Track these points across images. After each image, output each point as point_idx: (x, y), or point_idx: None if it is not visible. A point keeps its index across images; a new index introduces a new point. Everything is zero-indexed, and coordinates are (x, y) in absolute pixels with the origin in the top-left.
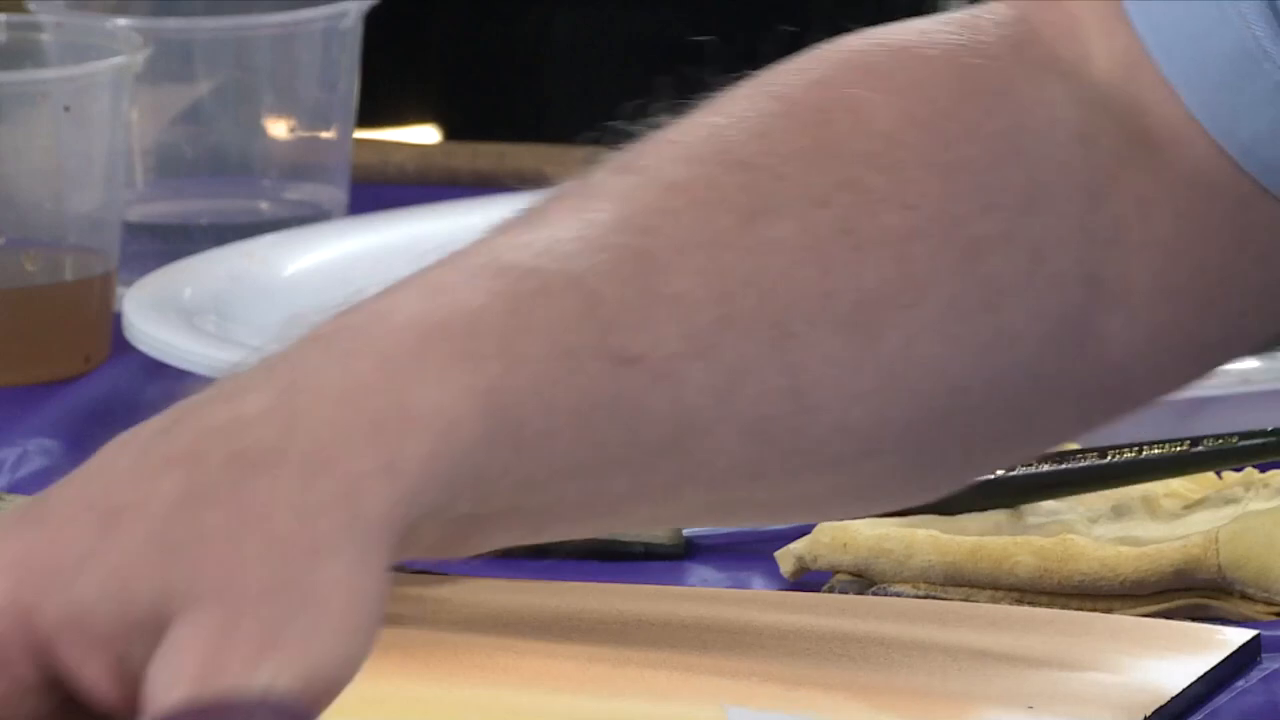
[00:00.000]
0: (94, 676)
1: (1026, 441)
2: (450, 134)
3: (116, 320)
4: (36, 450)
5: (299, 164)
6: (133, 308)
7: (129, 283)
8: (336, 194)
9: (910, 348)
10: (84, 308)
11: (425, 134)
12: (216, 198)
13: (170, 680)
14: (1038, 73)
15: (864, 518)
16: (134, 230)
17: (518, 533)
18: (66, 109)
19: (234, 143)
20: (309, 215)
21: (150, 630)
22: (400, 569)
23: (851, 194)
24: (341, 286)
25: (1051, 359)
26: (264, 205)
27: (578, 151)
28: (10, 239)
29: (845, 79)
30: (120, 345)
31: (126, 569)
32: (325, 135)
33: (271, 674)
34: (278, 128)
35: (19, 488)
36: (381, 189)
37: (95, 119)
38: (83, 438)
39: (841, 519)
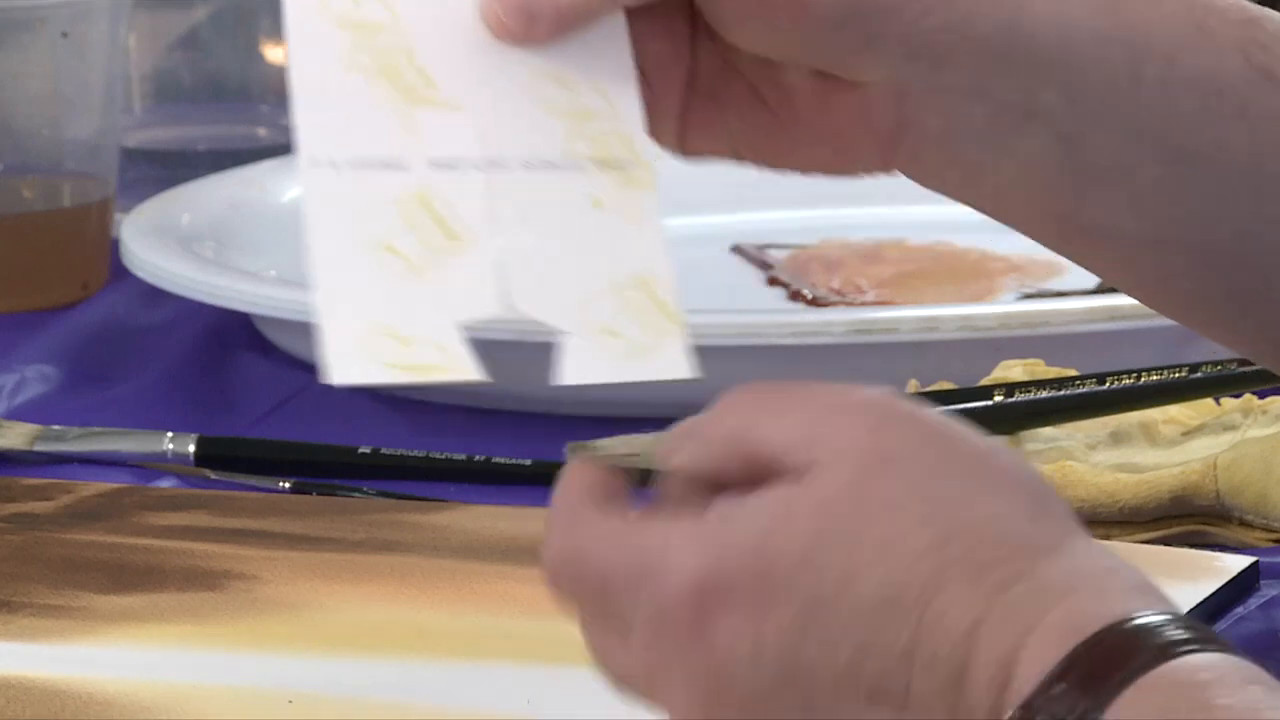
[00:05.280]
0: None
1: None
2: None
3: (114, 247)
4: (34, 377)
5: None
6: (131, 234)
7: (127, 209)
8: None
9: None
10: (82, 234)
11: None
12: (214, 123)
13: None
14: None
15: None
16: (132, 156)
17: None
18: (64, 35)
19: (232, 68)
20: None
21: None
22: (399, 496)
23: None
24: None
25: None
26: (262, 131)
27: None
28: (8, 165)
29: None
30: (118, 272)
31: None
32: None
33: None
34: (276, 53)
35: (17, 414)
36: None
37: (93, 45)
38: (80, 364)
39: None
